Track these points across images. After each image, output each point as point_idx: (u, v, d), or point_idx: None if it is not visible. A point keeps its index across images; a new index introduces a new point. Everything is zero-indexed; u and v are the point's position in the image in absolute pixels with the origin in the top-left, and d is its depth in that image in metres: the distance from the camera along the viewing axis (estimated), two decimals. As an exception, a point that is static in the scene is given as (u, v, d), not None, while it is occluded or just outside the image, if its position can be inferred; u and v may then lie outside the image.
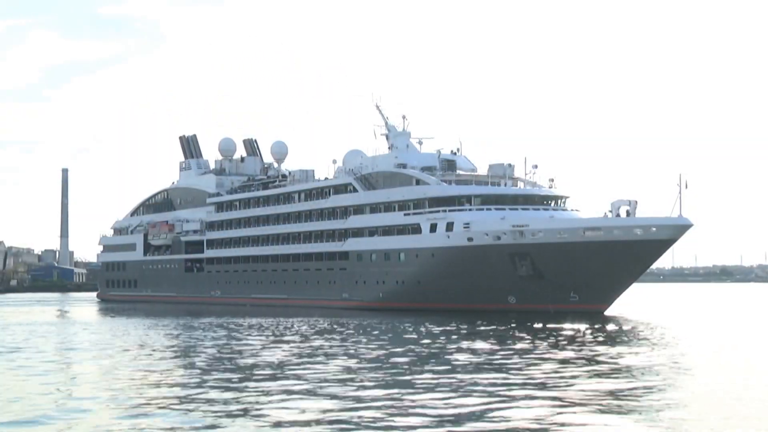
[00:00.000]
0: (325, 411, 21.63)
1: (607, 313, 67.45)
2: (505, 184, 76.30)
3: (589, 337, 44.52)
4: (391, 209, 78.54)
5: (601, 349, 37.57)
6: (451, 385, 25.94)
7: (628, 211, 66.39)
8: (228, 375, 29.00)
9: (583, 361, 32.48)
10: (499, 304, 68.72)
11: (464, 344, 40.06)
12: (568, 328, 50.40)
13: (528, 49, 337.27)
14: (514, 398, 23.56)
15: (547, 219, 69.81)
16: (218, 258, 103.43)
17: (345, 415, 21.11)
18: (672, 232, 64.65)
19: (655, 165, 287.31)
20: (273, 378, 27.83)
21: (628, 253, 64.56)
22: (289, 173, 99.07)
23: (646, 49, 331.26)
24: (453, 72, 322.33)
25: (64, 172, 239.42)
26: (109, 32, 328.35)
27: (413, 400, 23.30)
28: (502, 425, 20.06)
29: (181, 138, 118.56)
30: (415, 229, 75.15)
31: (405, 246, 76.03)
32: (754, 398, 24.55)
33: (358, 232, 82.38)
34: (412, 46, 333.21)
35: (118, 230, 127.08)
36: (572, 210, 75.45)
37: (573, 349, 37.32)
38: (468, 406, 22.36)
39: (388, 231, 78.71)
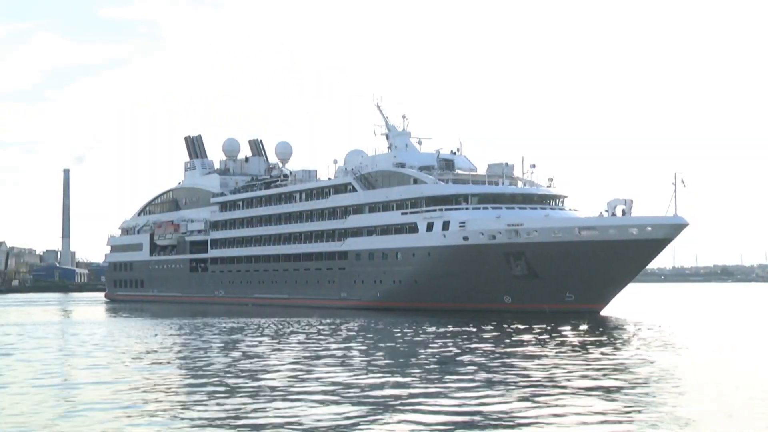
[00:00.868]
0: (324, 414, 21.27)
1: (603, 313, 66.88)
2: (503, 184, 75.83)
3: (584, 338, 43.97)
4: (389, 209, 78.32)
5: (595, 349, 36.89)
6: (456, 386, 25.50)
7: (623, 211, 65.80)
8: (232, 380, 27.90)
9: (578, 362, 31.89)
10: (495, 303, 68.31)
11: (465, 347, 39.18)
12: (561, 329, 49.81)
13: (527, 50, 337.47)
14: (514, 397, 23.40)
15: (542, 218, 69.27)
16: (221, 258, 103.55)
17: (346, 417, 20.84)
18: (667, 231, 63.95)
19: (657, 164, 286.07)
20: (274, 381, 27.04)
21: (623, 253, 63.96)
22: (291, 173, 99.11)
23: (646, 49, 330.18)
24: (453, 72, 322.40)
25: (66, 172, 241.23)
26: (111, 34, 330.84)
27: (412, 401, 23.05)
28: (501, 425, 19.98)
29: (186, 138, 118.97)
30: (412, 229, 74.87)
31: (402, 245, 75.78)
32: (753, 398, 24.13)
33: (357, 232, 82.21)
34: (412, 46, 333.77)
35: (126, 230, 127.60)
36: (571, 210, 74.92)
37: (566, 350, 36.67)
38: (478, 406, 22.05)
39: (386, 230, 78.50)
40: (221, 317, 66.12)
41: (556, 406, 22.05)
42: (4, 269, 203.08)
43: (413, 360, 33.13)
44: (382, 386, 25.63)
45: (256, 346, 39.44)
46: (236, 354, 35.86)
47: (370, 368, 30.25)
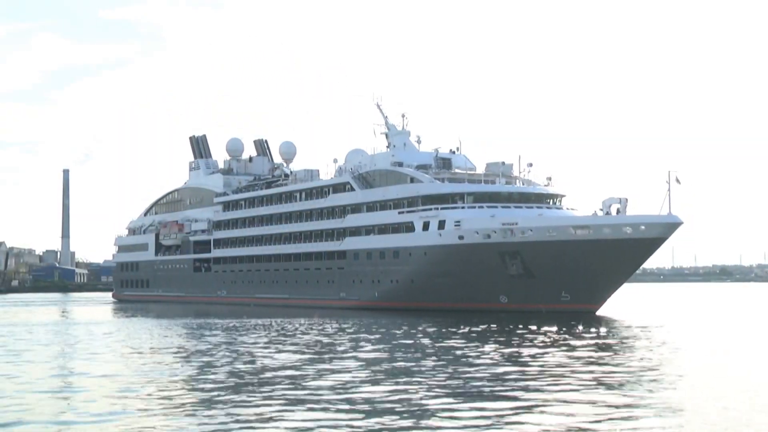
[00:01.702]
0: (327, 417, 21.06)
1: (599, 313, 66.31)
2: (500, 183, 75.45)
3: (579, 339, 43.47)
4: (387, 208, 78.11)
5: (592, 351, 36.35)
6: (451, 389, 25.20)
7: (618, 210, 65.31)
8: (236, 380, 27.72)
9: (575, 363, 31.45)
10: (491, 303, 67.98)
11: (465, 349, 38.43)
12: (556, 330, 49.22)
13: (526, 49, 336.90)
14: (512, 399, 23.19)
15: (536, 217, 68.81)
16: (224, 258, 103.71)
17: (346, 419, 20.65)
18: (661, 230, 63.37)
19: (655, 164, 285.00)
20: (275, 384, 26.65)
21: (618, 252, 63.45)
22: (292, 173, 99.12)
23: (643, 49, 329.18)
24: (452, 72, 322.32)
25: (66, 172, 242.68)
26: (112, 34, 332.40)
27: (414, 402, 22.85)
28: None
29: (191, 138, 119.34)
30: (409, 228, 74.64)
31: (399, 245, 75.57)
32: (752, 397, 23.83)
33: (355, 231, 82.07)
34: (412, 46, 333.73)
35: (132, 230, 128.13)
36: (568, 209, 74.46)
37: (562, 351, 36.23)
38: (480, 410, 21.71)
39: (383, 230, 78.30)
40: (224, 318, 65.13)
41: (543, 413, 21.53)
42: (3, 269, 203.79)
43: (413, 365, 32.46)
44: (385, 393, 24.92)
45: (262, 347, 38.97)
46: (235, 355, 35.54)
47: (372, 374, 29.53)
